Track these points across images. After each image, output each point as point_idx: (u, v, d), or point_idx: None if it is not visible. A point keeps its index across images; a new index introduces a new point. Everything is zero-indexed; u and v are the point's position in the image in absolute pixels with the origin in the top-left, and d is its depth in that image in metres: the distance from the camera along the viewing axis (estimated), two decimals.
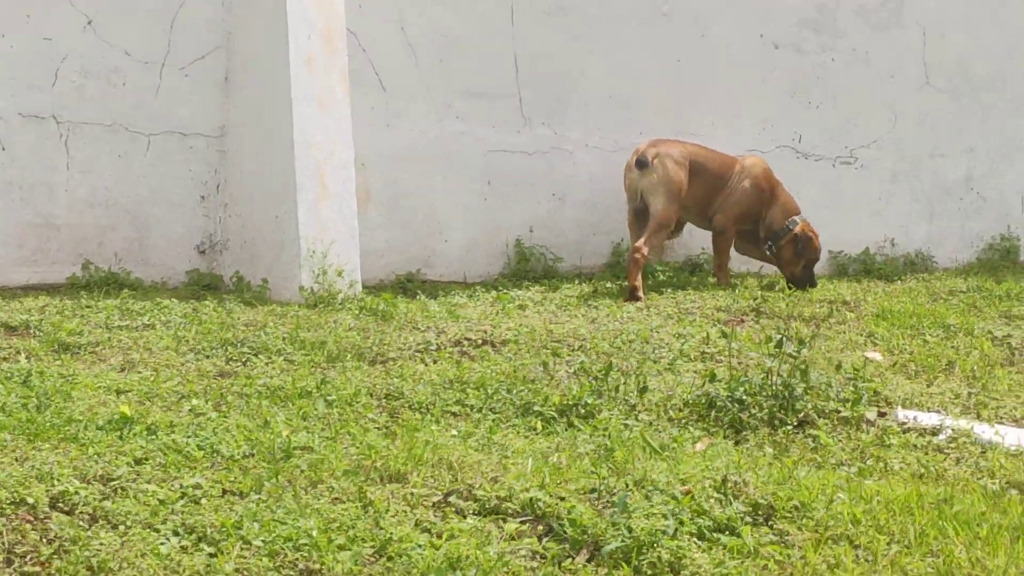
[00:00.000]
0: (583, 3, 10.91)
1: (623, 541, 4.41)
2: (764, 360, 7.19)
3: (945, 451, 6.92)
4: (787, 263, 10.82)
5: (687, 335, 8.68)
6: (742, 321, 9.60)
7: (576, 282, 10.58)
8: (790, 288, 10.71)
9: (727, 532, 4.67)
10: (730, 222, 10.70)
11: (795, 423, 6.82)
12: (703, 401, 6.97)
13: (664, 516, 4.60)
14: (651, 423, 6.80)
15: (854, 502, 5.16)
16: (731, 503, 4.82)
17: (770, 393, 6.94)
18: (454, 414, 6.66)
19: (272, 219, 9.37)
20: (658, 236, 10.35)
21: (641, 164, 10.34)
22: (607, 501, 4.87)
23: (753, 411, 6.85)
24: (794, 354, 7.00)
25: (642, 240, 10.19)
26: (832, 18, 11.89)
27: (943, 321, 9.64)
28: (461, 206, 10.57)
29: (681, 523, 4.61)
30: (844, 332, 9.33)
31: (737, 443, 6.67)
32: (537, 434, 6.38)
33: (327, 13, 9.40)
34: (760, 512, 4.98)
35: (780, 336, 7.19)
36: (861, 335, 9.27)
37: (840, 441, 6.81)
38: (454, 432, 6.20)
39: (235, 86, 9.72)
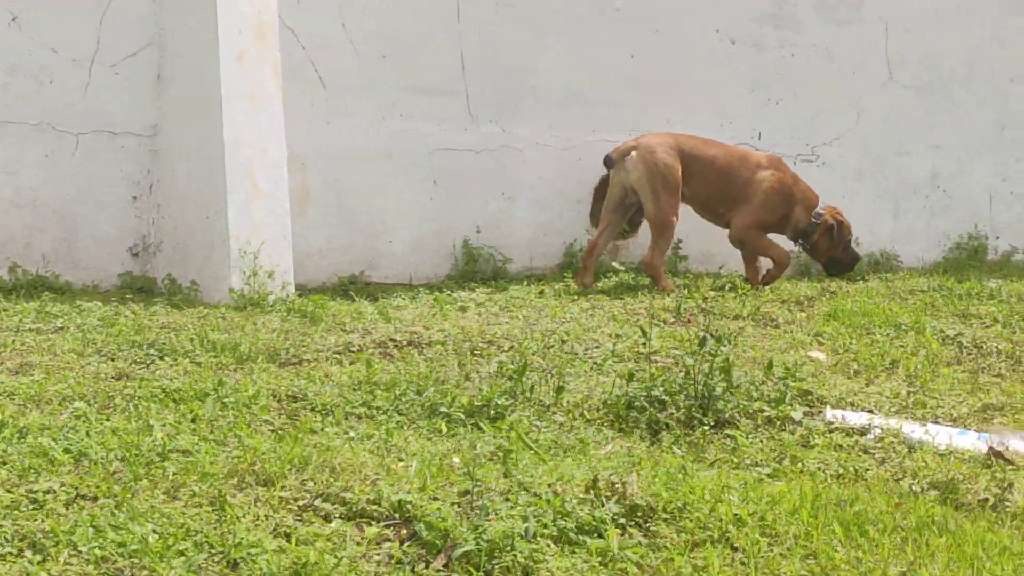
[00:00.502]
0: None
1: (477, 544, 4.16)
2: (686, 359, 6.93)
3: (871, 451, 6.69)
4: (825, 252, 10.64)
5: (625, 335, 8.43)
6: (688, 321, 9.36)
7: (525, 283, 10.34)
8: (830, 275, 10.46)
9: (594, 535, 4.42)
10: (752, 232, 10.46)
11: (712, 423, 6.58)
12: (622, 402, 6.72)
13: (524, 518, 4.35)
14: (564, 424, 6.56)
15: (744, 503, 4.90)
16: (602, 504, 4.56)
17: (690, 393, 6.69)
18: (358, 416, 6.41)
19: (203, 220, 9.13)
20: (660, 243, 10.13)
21: (607, 163, 10.13)
22: (478, 504, 4.63)
23: (671, 411, 6.60)
24: (713, 352, 6.74)
25: (648, 255, 10.08)
26: (792, 13, 11.64)
27: (895, 320, 9.39)
28: (406, 206, 10.34)
29: (544, 526, 4.36)
30: (792, 332, 9.09)
31: (653, 444, 6.44)
32: (441, 436, 6.14)
33: (259, 7, 9.17)
34: (639, 514, 4.73)
35: (704, 335, 6.94)
36: (808, 335, 9.02)
37: (761, 441, 6.56)
38: (351, 434, 5.96)
39: (167, 83, 9.49)
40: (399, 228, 10.30)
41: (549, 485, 4.72)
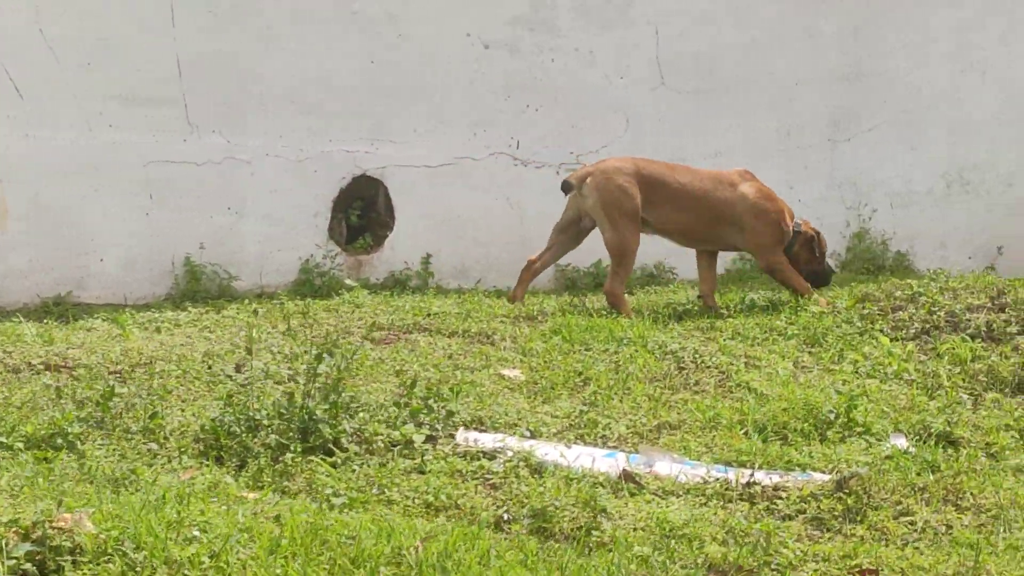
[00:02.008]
0: (258, 1, 10.10)
1: None
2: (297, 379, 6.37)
3: (490, 476, 6.15)
4: (805, 263, 10.03)
5: (295, 356, 7.84)
6: (397, 338, 8.81)
7: (246, 302, 9.72)
8: (794, 297, 9.83)
9: None
10: (775, 254, 9.88)
11: (304, 449, 6.02)
12: (219, 427, 6.14)
13: None
14: (158, 453, 6.00)
15: (215, 540, 4.33)
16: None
17: (292, 416, 6.13)
18: None
19: None
20: (619, 271, 9.59)
21: (564, 188, 9.59)
22: None
23: (262, 436, 6.04)
24: (313, 371, 6.18)
25: (607, 284, 9.59)
26: (550, 16, 11.11)
27: (621, 335, 8.85)
28: (118, 222, 9.74)
29: None
30: (501, 349, 8.55)
31: (240, 473, 5.88)
32: None
33: None
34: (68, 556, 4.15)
35: (318, 351, 6.38)
36: (517, 352, 8.47)
37: (360, 468, 6.01)
38: None
39: None
40: (111, 245, 9.69)
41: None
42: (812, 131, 11.99)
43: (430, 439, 6.43)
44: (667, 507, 5.85)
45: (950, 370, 8.35)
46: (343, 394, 6.32)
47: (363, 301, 9.75)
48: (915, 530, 5.93)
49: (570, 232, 9.81)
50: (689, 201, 9.79)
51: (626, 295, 9.78)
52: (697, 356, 8.49)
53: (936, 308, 9.34)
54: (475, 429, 6.77)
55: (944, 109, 12.30)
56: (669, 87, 11.51)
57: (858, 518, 6.00)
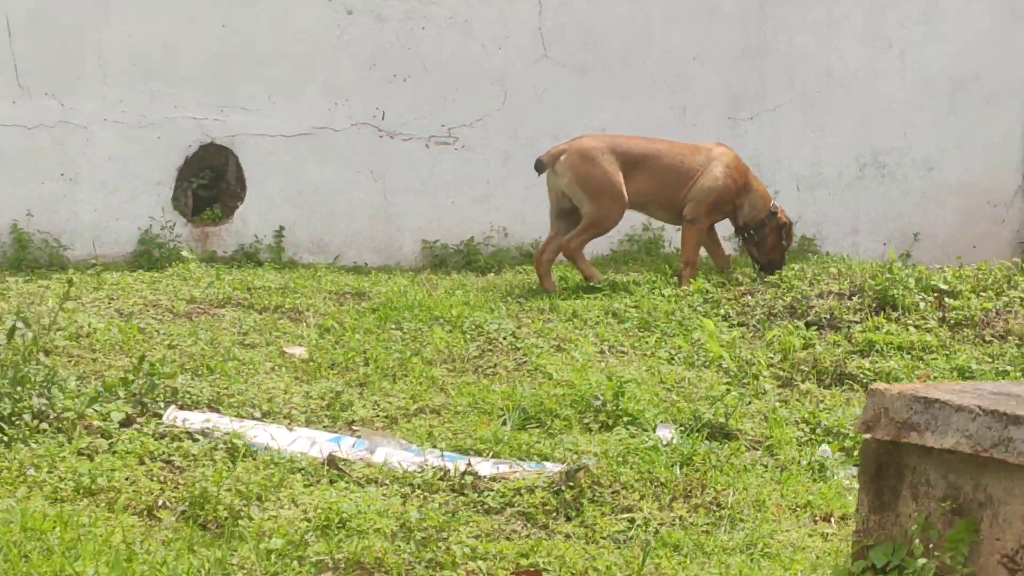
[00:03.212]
0: None
1: None
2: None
3: (188, 459, 5.72)
4: (770, 249, 9.69)
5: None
6: (204, 312, 8.41)
7: (75, 272, 9.21)
8: (765, 272, 9.51)
9: None
10: (702, 211, 9.46)
11: None
12: None
13: None
14: None
15: None
16: None
17: None
18: None
19: None
20: (586, 234, 9.33)
21: (537, 167, 9.24)
22: None
23: None
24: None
25: (566, 239, 9.31)
26: None
27: (444, 314, 8.40)
28: None
29: None
30: (303, 325, 8.13)
31: None
32: None
33: None
34: None
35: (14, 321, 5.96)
36: (319, 330, 8.04)
37: (32, 448, 5.59)
38: None
39: None
40: None
41: None
42: (711, 110, 11.46)
43: (128, 421, 5.99)
44: (348, 496, 5.39)
45: (771, 358, 7.85)
46: (39, 368, 5.88)
47: (193, 274, 9.33)
48: (631, 527, 5.47)
49: (565, 217, 9.46)
50: (662, 170, 9.49)
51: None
52: (509, 338, 8.04)
53: (784, 294, 8.85)
54: (204, 409, 6.34)
55: (857, 89, 11.75)
56: (552, 60, 11.00)
57: (573, 513, 5.54)
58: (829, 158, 11.85)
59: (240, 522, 5.02)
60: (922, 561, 4.44)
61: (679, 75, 11.37)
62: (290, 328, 8.10)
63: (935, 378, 7.50)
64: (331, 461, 5.75)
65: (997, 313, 8.40)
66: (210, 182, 10.24)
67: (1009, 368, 7.68)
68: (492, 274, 10.30)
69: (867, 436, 4.71)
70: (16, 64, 9.50)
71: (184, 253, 9.65)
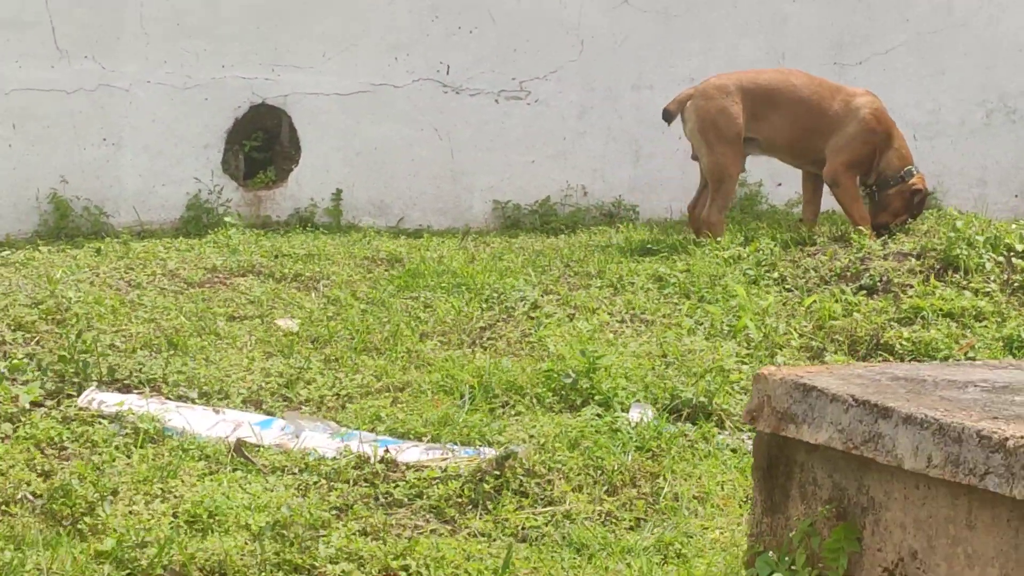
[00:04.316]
0: None
1: None
2: None
3: (79, 443, 5.35)
4: (892, 213, 8.79)
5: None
6: (221, 282, 8.05)
7: (119, 239, 8.92)
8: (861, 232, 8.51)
9: None
10: (841, 171, 8.74)
11: None
12: None
13: None
14: None
15: None
16: None
17: None
18: None
19: None
20: (718, 200, 8.80)
21: (665, 116, 8.96)
22: None
23: None
24: None
25: (705, 211, 8.82)
26: None
27: (468, 282, 7.89)
28: None
29: None
30: (312, 295, 7.71)
31: None
32: None
33: None
34: None
35: None
36: (327, 300, 7.61)
37: None
38: None
39: None
40: None
41: None
42: (812, 55, 10.60)
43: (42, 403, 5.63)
44: (232, 488, 4.92)
45: (805, 327, 7.12)
46: None
47: (231, 240, 8.96)
48: (548, 523, 4.89)
49: None
50: (800, 110, 8.81)
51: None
52: (529, 307, 7.47)
53: (844, 255, 8.06)
54: (145, 390, 5.95)
55: (980, 27, 10.82)
56: (633, 5, 10.31)
57: (490, 506, 4.98)
58: (949, 104, 10.93)
59: (85, 518, 4.60)
60: (807, 571, 3.79)
61: (774, 16, 10.57)
62: (297, 298, 7.66)
63: (977, 349, 6.68)
64: (237, 448, 5.30)
65: None
66: (263, 144, 9.86)
67: None
68: (564, 235, 9.70)
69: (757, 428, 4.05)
70: (54, 26, 9.23)
71: (227, 219, 9.28)
